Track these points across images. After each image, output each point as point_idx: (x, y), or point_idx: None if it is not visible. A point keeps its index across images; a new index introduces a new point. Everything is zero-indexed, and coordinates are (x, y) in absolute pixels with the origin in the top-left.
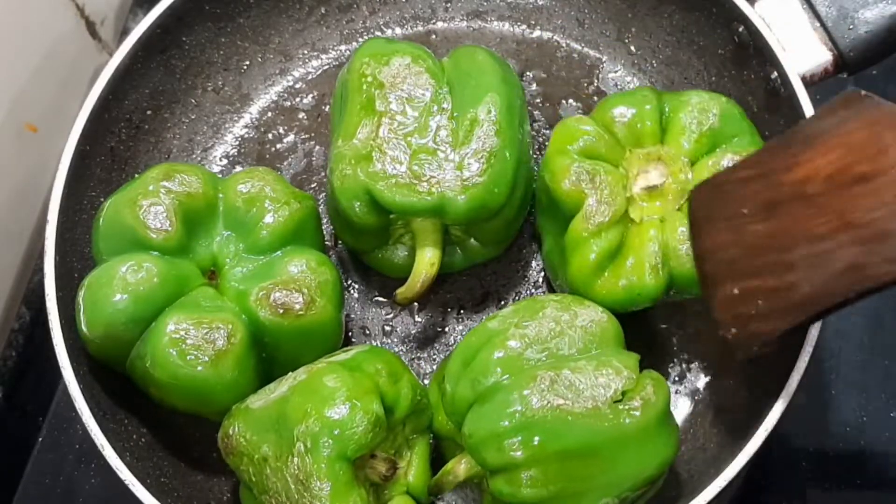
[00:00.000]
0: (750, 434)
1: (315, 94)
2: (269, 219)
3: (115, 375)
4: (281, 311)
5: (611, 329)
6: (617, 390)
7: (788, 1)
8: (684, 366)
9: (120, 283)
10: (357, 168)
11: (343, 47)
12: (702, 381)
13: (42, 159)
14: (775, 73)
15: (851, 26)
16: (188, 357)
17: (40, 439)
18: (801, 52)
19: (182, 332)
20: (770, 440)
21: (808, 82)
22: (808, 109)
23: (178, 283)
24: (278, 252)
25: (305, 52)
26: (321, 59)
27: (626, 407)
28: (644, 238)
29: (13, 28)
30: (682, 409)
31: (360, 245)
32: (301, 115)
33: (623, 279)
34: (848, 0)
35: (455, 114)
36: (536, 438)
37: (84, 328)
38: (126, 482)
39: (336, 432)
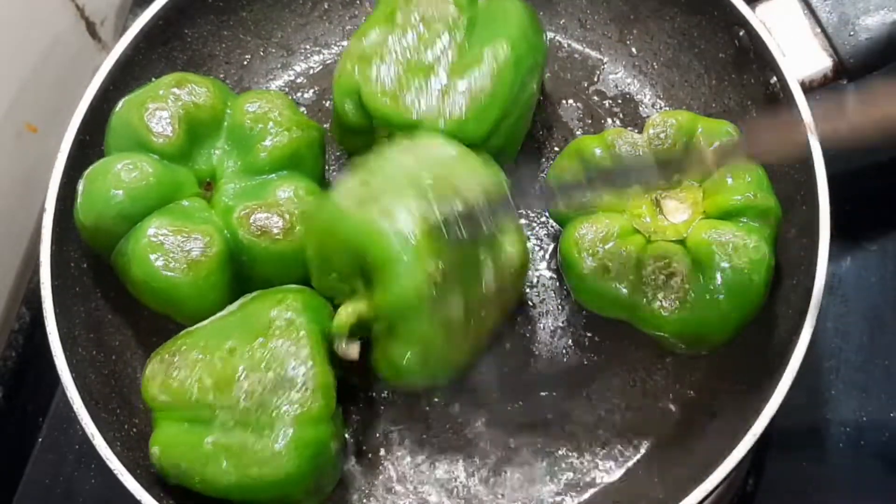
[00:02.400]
0: (739, 438)
1: (316, 88)
2: (268, 141)
3: (108, 364)
4: (258, 232)
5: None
6: None
7: (790, 6)
8: (675, 369)
9: (114, 178)
10: (356, 67)
11: (345, 43)
12: (692, 384)
13: (42, 160)
14: (774, 78)
15: (852, 33)
16: (163, 261)
17: (40, 440)
18: (801, 57)
19: (161, 237)
20: (769, 441)
21: (808, 88)
22: (807, 115)
23: (171, 189)
24: (273, 175)
25: (307, 46)
26: (323, 54)
27: None
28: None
29: (13, 28)
30: (672, 412)
31: (347, 144)
32: (302, 109)
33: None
34: (849, 6)
35: (465, 46)
36: None
37: (78, 215)
38: (115, 472)
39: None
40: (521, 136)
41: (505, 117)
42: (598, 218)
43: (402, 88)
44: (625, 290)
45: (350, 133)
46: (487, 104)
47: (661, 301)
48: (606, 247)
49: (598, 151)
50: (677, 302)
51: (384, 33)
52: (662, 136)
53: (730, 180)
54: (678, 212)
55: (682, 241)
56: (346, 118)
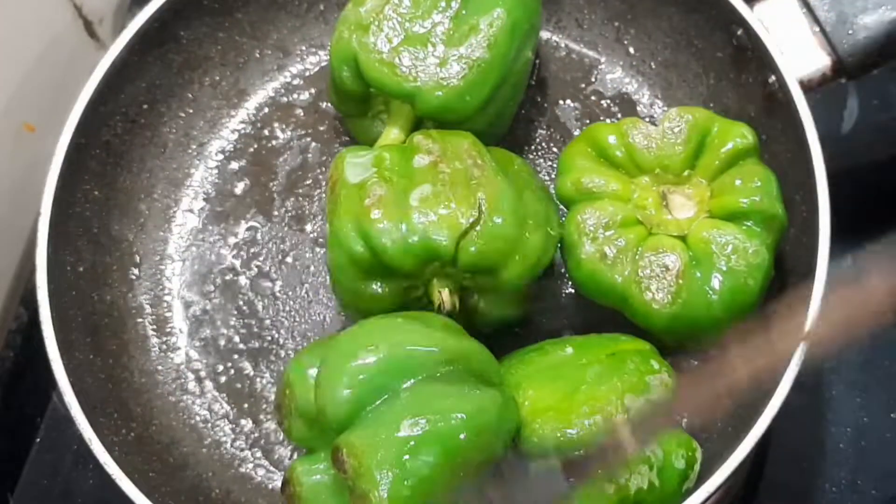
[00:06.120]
0: (737, 443)
1: (312, 90)
2: None
3: (105, 369)
4: None
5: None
6: None
7: (788, 5)
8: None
9: None
10: (353, 34)
11: None
12: None
13: (39, 160)
14: (773, 77)
15: (851, 31)
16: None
17: (38, 440)
18: (799, 56)
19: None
20: (769, 441)
21: (807, 87)
22: (806, 114)
23: None
24: None
25: (303, 48)
26: (319, 55)
27: None
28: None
29: (10, 28)
30: None
31: (343, 108)
32: (298, 111)
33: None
34: (848, 5)
35: (462, 13)
36: None
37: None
38: (113, 476)
39: None
40: (516, 105)
41: (501, 85)
42: (603, 204)
43: (399, 57)
44: (619, 279)
45: (347, 98)
46: (484, 73)
47: (653, 294)
48: (607, 233)
49: (612, 139)
50: (669, 297)
51: (381, 1)
52: (677, 130)
53: (739, 182)
54: (684, 208)
55: (683, 238)
56: (344, 85)
